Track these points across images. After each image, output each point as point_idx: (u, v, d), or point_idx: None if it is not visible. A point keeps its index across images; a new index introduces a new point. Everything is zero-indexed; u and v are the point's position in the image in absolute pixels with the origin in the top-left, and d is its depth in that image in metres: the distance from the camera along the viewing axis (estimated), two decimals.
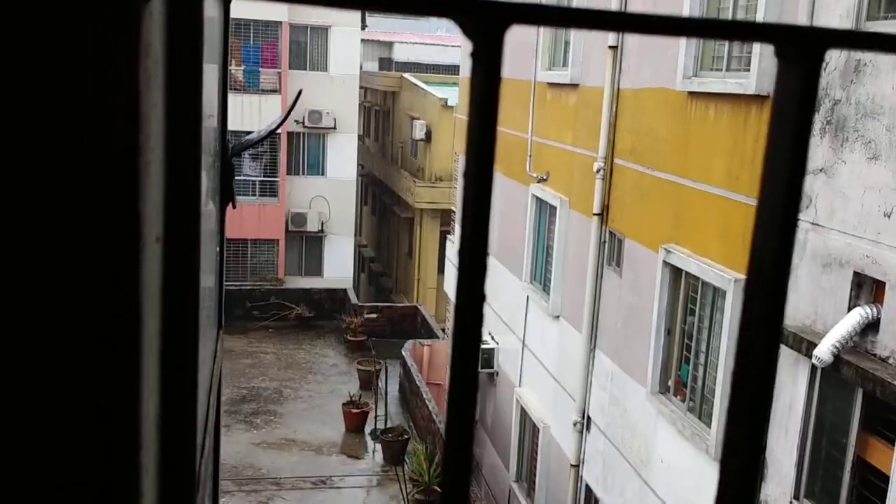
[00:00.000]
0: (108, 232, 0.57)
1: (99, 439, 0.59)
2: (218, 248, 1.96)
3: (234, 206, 2.11)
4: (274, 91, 25.21)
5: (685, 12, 8.56)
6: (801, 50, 0.46)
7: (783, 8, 7.16)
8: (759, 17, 7.35)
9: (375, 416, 17.19)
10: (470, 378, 0.44)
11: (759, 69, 7.34)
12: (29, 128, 0.54)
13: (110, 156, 0.55)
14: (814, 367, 6.51)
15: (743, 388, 0.49)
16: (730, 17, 8.13)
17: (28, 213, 0.55)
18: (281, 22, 25.24)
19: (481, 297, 0.41)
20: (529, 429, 13.16)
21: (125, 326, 0.59)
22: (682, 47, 8.62)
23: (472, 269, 0.40)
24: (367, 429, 17.32)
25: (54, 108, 0.54)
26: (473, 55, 0.40)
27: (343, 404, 17.55)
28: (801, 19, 6.78)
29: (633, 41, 10.03)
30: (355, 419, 17.29)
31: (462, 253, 0.40)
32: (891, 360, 5.87)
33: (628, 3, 10.13)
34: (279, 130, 25.00)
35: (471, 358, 0.43)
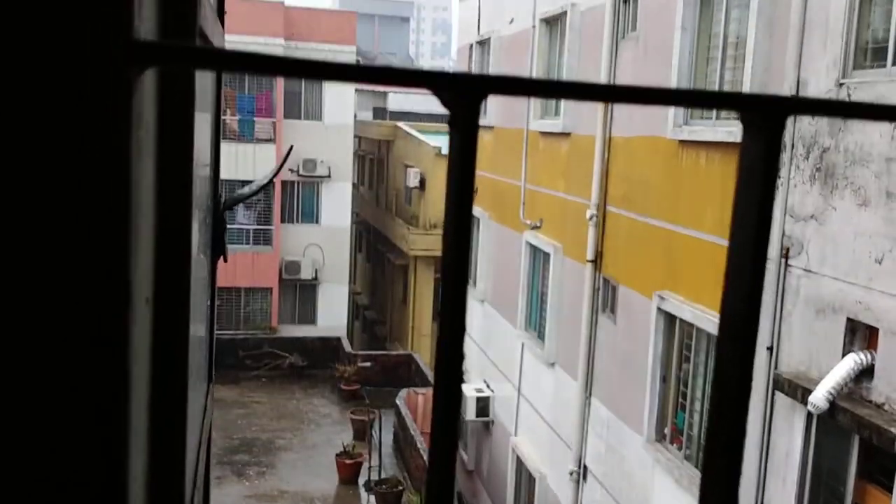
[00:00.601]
0: (95, 296, 0.57)
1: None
2: (209, 302, 1.95)
3: (225, 260, 2.11)
4: (269, 140, 25.40)
5: (674, 65, 8.70)
6: (764, 117, 0.49)
7: (771, 59, 7.27)
8: (748, 67, 7.47)
9: (369, 467, 16.96)
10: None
11: None
12: (18, 193, 0.54)
13: (98, 223, 0.56)
14: (809, 415, 6.47)
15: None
16: (718, 67, 8.25)
17: (14, 278, 0.55)
18: None
19: (459, 378, 0.42)
20: (526, 479, 12.99)
21: (112, 388, 0.59)
22: None
23: (449, 350, 0.40)
24: (361, 480, 17.07)
25: (45, 175, 0.55)
26: (450, 123, 0.42)
27: (336, 455, 17.32)
28: (789, 69, 6.89)
29: None
30: (349, 470, 17.05)
31: (442, 326, 0.41)
32: (886, 407, 5.84)
33: (618, 67, 10.28)
34: (273, 179, 25.10)
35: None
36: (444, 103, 0.42)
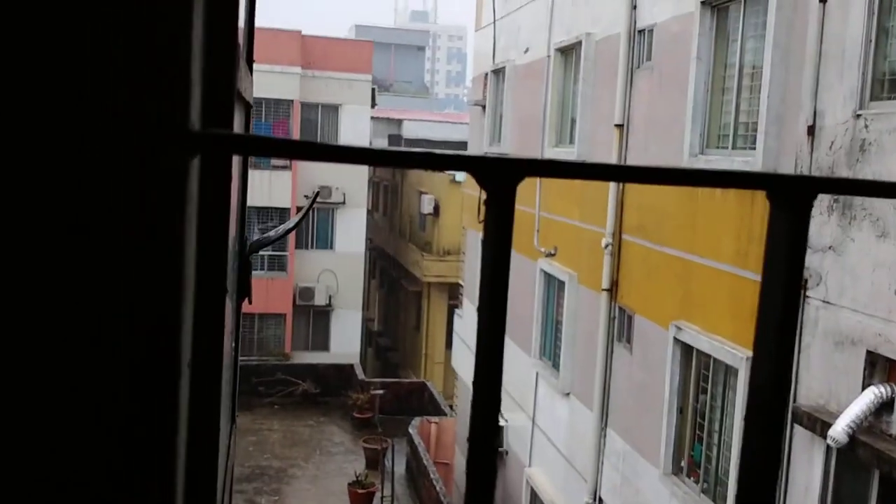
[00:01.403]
0: (150, 365, 0.60)
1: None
2: (233, 344, 1.96)
3: (250, 302, 2.14)
4: (284, 167, 25.57)
5: (689, 95, 8.70)
6: (792, 195, 0.52)
7: (787, 90, 7.27)
8: (763, 97, 7.46)
9: (382, 497, 16.84)
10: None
11: (764, 147, 7.41)
12: (88, 269, 0.58)
13: (155, 297, 0.60)
14: (829, 448, 6.37)
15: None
16: (734, 97, 8.24)
17: (85, 356, 0.59)
18: (293, 101, 25.77)
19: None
20: None
21: (160, 461, 0.62)
22: (689, 125, 8.74)
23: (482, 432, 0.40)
24: None
25: (111, 259, 0.59)
26: (487, 202, 0.44)
27: (349, 484, 17.21)
28: (806, 100, 6.88)
29: (639, 119, 10.17)
30: (361, 500, 16.93)
31: (475, 408, 0.40)
32: None
33: (633, 96, 10.30)
34: (289, 205, 25.27)
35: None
36: (482, 185, 0.42)
